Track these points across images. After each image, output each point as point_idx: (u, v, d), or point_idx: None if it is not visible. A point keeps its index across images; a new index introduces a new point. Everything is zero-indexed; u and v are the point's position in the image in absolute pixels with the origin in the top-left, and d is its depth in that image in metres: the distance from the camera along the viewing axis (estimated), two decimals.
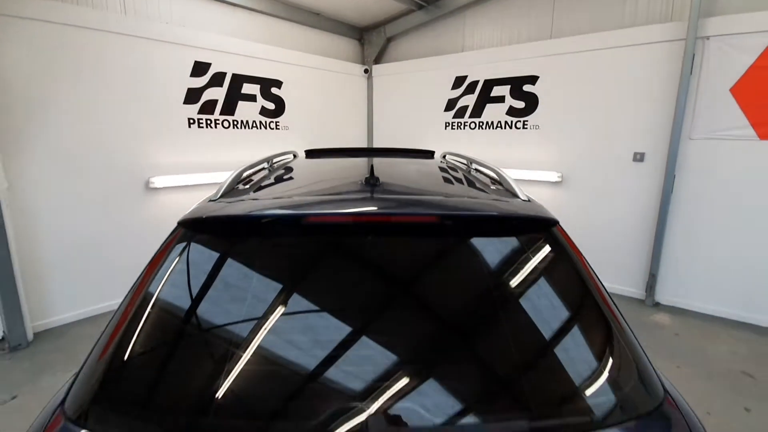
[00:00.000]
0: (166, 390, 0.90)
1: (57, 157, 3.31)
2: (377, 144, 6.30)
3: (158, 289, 1.00)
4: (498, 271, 1.08)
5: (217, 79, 4.35)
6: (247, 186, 1.45)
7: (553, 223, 1.17)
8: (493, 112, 4.96)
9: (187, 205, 1.27)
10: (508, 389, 0.94)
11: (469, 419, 0.87)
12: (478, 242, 1.11)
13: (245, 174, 1.60)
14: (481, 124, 5.10)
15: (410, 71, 5.68)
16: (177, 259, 1.05)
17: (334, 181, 1.66)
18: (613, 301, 1.09)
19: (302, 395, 0.89)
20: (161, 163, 3.97)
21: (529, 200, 1.32)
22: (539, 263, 1.10)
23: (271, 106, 4.92)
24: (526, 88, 4.63)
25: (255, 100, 4.74)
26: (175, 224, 1.15)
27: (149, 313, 0.97)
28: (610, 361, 0.96)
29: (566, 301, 1.06)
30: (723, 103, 3.46)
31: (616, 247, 4.21)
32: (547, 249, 1.13)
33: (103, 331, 0.98)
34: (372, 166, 1.57)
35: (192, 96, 4.16)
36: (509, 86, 4.77)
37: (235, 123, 4.59)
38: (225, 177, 1.42)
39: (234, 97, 4.52)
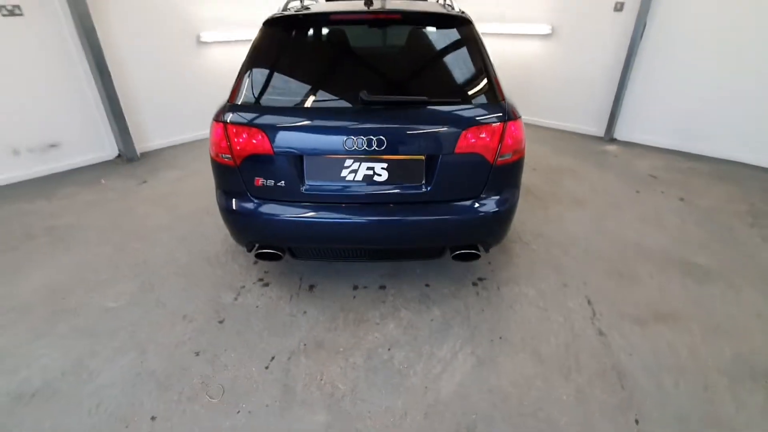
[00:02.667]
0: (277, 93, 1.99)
1: (136, 17, 4.16)
2: None
3: (263, 56, 2.02)
4: (434, 42, 2.07)
5: None
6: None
7: (467, 21, 2.08)
8: None
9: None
10: (428, 90, 2.00)
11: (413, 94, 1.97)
12: (426, 29, 2.07)
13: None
14: None
15: None
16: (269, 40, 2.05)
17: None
18: (492, 68, 2.06)
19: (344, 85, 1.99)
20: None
21: (461, 12, 2.19)
22: (457, 40, 2.06)
23: None
24: None
25: None
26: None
27: (257, 70, 2.00)
28: (480, 85, 1.99)
29: (467, 59, 2.04)
30: None
31: (585, 92, 5.00)
32: (462, 33, 2.07)
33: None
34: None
35: None
36: None
37: None
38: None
39: None
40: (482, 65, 2.02)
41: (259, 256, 2.12)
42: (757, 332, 2.09)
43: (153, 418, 1.67)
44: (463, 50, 2.08)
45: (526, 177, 3.87)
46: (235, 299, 2.33)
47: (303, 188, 1.94)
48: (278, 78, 2.00)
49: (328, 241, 2.05)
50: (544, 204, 3.41)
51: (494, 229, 2.12)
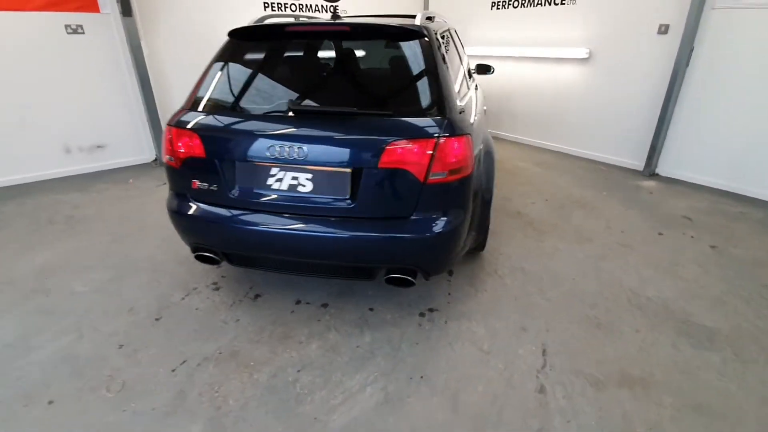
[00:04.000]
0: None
1: (178, 36, 4.64)
2: None
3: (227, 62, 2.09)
4: (381, 56, 1.99)
5: None
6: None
7: (420, 35, 1.98)
8: None
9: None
10: (363, 101, 1.92)
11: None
12: (377, 42, 2.01)
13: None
14: (523, 2, 5.27)
15: None
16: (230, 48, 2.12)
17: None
18: (443, 82, 1.93)
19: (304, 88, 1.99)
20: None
21: (419, 23, 2.09)
22: (407, 53, 1.97)
23: None
24: None
25: None
26: None
27: (218, 76, 2.07)
28: (420, 99, 1.86)
29: (414, 73, 1.93)
30: None
31: (624, 121, 4.52)
32: (412, 46, 1.97)
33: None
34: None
35: None
36: None
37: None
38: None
39: None
40: (429, 79, 1.91)
41: (197, 258, 2.15)
42: (754, 421, 1.64)
43: (50, 402, 1.72)
44: (411, 63, 1.98)
45: (533, 207, 3.56)
46: (182, 299, 2.38)
47: (232, 193, 1.95)
48: (223, 85, 2.06)
49: (254, 249, 2.02)
50: (540, 237, 3.08)
51: (428, 255, 1.94)
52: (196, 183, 2.01)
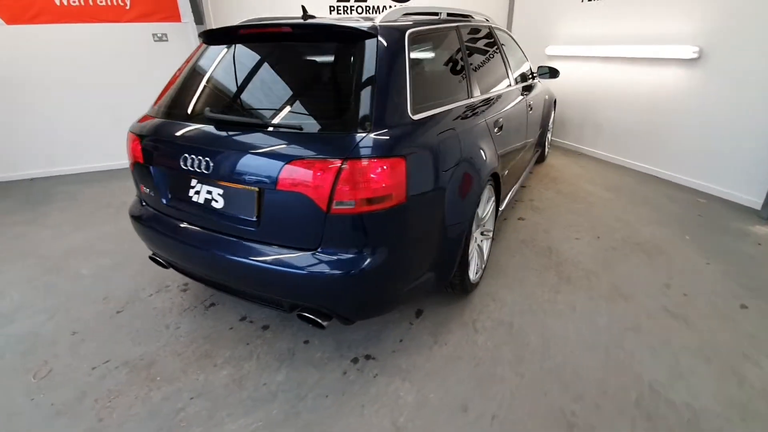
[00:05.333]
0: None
1: None
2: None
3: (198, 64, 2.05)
4: (319, 60, 1.73)
5: None
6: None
7: (369, 36, 1.66)
8: None
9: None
10: (280, 111, 1.68)
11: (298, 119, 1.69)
12: (323, 45, 1.75)
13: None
14: None
15: None
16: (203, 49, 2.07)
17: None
18: (382, 93, 1.59)
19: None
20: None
21: (374, 25, 1.75)
22: (349, 58, 1.67)
23: None
24: None
25: None
26: None
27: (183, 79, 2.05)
28: (343, 111, 1.55)
29: (348, 80, 1.63)
30: None
31: (742, 143, 3.37)
32: (359, 51, 1.66)
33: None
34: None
35: None
36: None
37: None
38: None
39: None
40: (366, 88, 1.59)
41: (150, 259, 2.18)
42: None
43: None
44: (350, 69, 1.68)
45: (572, 245, 2.87)
46: (150, 296, 2.46)
47: (163, 201, 1.91)
48: (175, 91, 2.02)
49: (179, 260, 1.95)
50: (559, 286, 2.45)
51: (339, 297, 1.63)
52: (143, 187, 2.02)
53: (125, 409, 1.71)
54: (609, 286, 2.44)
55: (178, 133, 1.78)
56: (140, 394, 1.78)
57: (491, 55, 2.85)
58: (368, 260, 1.55)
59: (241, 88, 1.85)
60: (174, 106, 1.95)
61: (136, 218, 2.07)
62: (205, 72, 1.99)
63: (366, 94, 1.58)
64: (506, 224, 3.25)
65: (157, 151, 1.85)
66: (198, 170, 1.68)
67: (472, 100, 2.22)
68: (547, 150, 4.81)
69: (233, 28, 1.90)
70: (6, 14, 4.16)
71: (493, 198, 2.44)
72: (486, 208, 2.36)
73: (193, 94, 1.92)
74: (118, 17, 4.52)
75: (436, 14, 2.37)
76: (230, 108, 1.79)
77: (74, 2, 4.34)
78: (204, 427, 1.62)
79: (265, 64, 1.86)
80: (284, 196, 1.53)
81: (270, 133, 1.60)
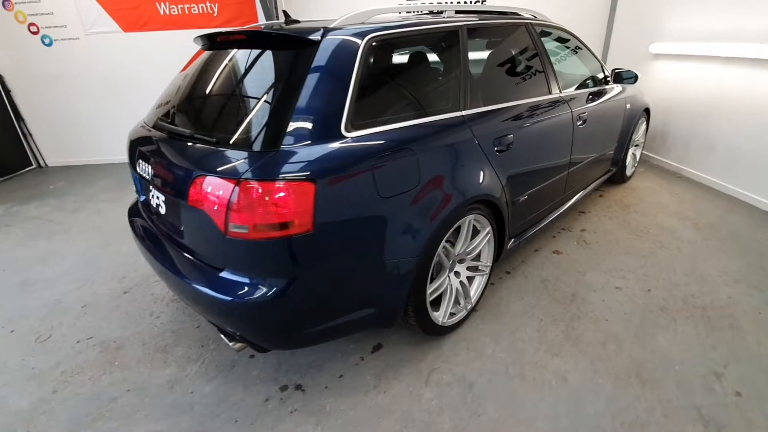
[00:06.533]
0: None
1: None
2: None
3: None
4: (264, 68, 1.63)
5: None
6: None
7: (313, 42, 1.51)
8: None
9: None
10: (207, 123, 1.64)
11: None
12: (274, 53, 1.65)
13: None
14: None
15: None
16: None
17: None
18: (309, 106, 1.42)
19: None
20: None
21: (323, 31, 1.57)
22: (291, 68, 1.54)
23: None
24: None
25: None
26: None
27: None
28: (260, 125, 1.43)
29: (282, 91, 1.49)
30: None
31: None
32: (301, 59, 1.52)
33: None
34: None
35: None
36: None
37: None
38: None
39: None
40: (284, 102, 1.46)
41: None
42: None
43: (9, 330, 2.27)
44: (277, 81, 1.56)
45: (606, 296, 2.33)
46: (156, 281, 2.68)
47: (139, 202, 2.04)
48: (162, 95, 2.11)
49: (145, 257, 2.06)
50: (560, 348, 1.98)
51: (239, 323, 1.53)
52: (134, 187, 2.19)
53: (77, 386, 1.88)
54: (629, 361, 1.88)
55: (135, 138, 1.88)
56: (95, 376, 1.94)
57: (519, 60, 2.41)
58: (264, 290, 1.42)
59: (188, 96, 1.85)
60: (153, 112, 2.05)
61: (130, 216, 2.25)
62: (178, 79, 2.05)
63: (284, 107, 1.43)
64: (535, 257, 2.76)
65: (131, 156, 1.97)
66: (147, 176, 1.74)
67: (457, 113, 1.88)
68: (631, 169, 3.97)
69: (206, 35, 1.91)
70: (124, 23, 4.97)
71: (489, 229, 2.07)
72: (469, 243, 2.01)
73: (163, 101, 2.00)
74: (207, 23, 5.05)
75: (440, 13, 2.08)
76: (174, 116, 1.81)
77: (174, 11, 4.97)
78: (119, 423, 1.69)
79: (215, 73, 1.83)
80: (193, 211, 1.49)
81: (192, 145, 1.57)
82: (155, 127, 1.84)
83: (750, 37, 3.31)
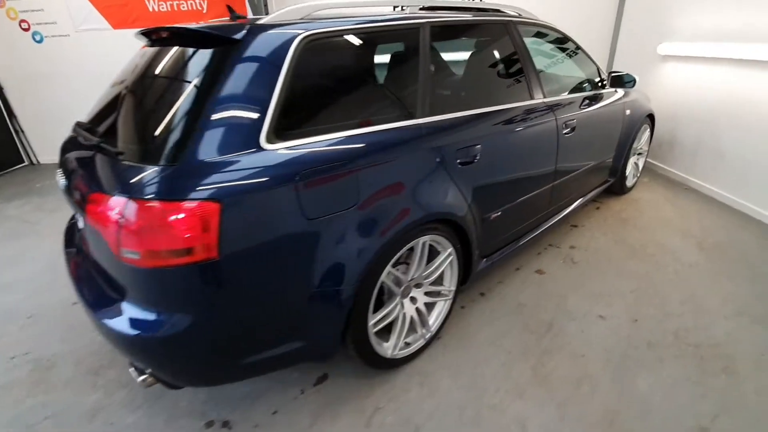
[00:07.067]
0: None
1: None
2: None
3: None
4: (187, 70, 1.46)
5: None
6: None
7: (234, 41, 1.33)
8: None
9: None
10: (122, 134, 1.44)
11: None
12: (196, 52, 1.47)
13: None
14: None
15: None
16: None
17: None
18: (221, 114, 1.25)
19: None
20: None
21: (249, 28, 1.39)
22: (213, 69, 1.36)
23: None
24: None
25: None
26: None
27: None
28: (172, 135, 1.26)
29: (197, 98, 1.31)
30: None
31: None
32: (217, 56, 1.35)
33: None
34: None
35: None
36: None
37: None
38: None
39: None
40: (191, 109, 1.28)
41: None
42: None
43: None
44: (190, 85, 1.37)
45: (586, 327, 2.15)
46: (74, 303, 2.54)
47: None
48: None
49: None
50: (526, 387, 1.76)
51: (144, 358, 1.36)
52: None
53: (9, 407, 1.75)
54: (602, 408, 1.64)
55: (64, 143, 1.74)
56: (19, 398, 1.81)
57: (495, 62, 2.18)
58: (164, 323, 1.24)
59: (109, 100, 1.68)
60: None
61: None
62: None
63: (192, 115, 1.26)
64: (515, 276, 2.52)
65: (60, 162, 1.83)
66: (63, 188, 1.60)
67: (411, 122, 1.67)
68: (633, 179, 3.68)
69: (142, 31, 1.74)
70: (114, 20, 4.88)
71: (452, 250, 1.86)
72: (426, 266, 1.80)
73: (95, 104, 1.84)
74: (197, 20, 4.92)
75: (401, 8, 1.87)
76: (93, 122, 1.64)
77: (163, 8, 4.87)
78: None
79: (136, 75, 1.65)
80: (91, 230, 1.33)
81: (95, 156, 1.41)
82: (75, 132, 1.68)
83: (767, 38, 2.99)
